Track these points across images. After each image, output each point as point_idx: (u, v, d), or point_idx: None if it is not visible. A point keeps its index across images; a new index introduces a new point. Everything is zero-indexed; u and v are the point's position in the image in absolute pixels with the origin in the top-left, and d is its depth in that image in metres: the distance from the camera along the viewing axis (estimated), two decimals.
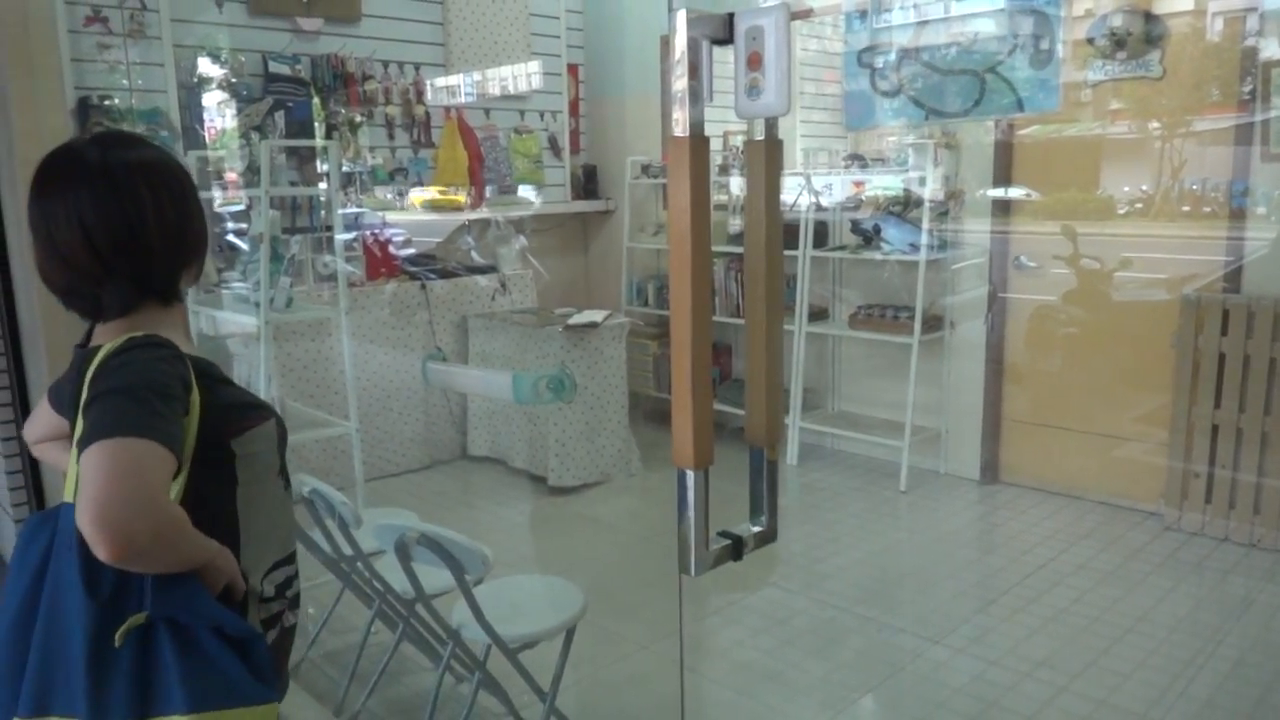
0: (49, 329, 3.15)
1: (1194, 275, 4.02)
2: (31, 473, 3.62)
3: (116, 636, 1.16)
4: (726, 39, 1.08)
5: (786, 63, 1.05)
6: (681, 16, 1.04)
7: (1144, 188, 4.20)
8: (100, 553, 1.10)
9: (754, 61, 1.06)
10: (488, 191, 5.49)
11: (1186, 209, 4.03)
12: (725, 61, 1.10)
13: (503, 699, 2.53)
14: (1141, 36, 3.92)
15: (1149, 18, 3.93)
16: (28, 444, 1.59)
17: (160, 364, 1.23)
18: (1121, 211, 4.24)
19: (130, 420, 1.14)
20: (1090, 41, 4.03)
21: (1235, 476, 3.88)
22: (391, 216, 5.10)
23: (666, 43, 1.06)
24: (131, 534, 1.10)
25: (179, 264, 1.38)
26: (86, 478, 1.11)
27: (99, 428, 1.14)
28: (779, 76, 1.05)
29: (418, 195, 5.22)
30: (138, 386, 1.19)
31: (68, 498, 1.26)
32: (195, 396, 1.27)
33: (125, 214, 1.29)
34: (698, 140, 1.06)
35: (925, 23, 3.93)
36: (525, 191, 5.62)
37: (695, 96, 1.06)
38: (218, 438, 1.30)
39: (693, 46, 1.05)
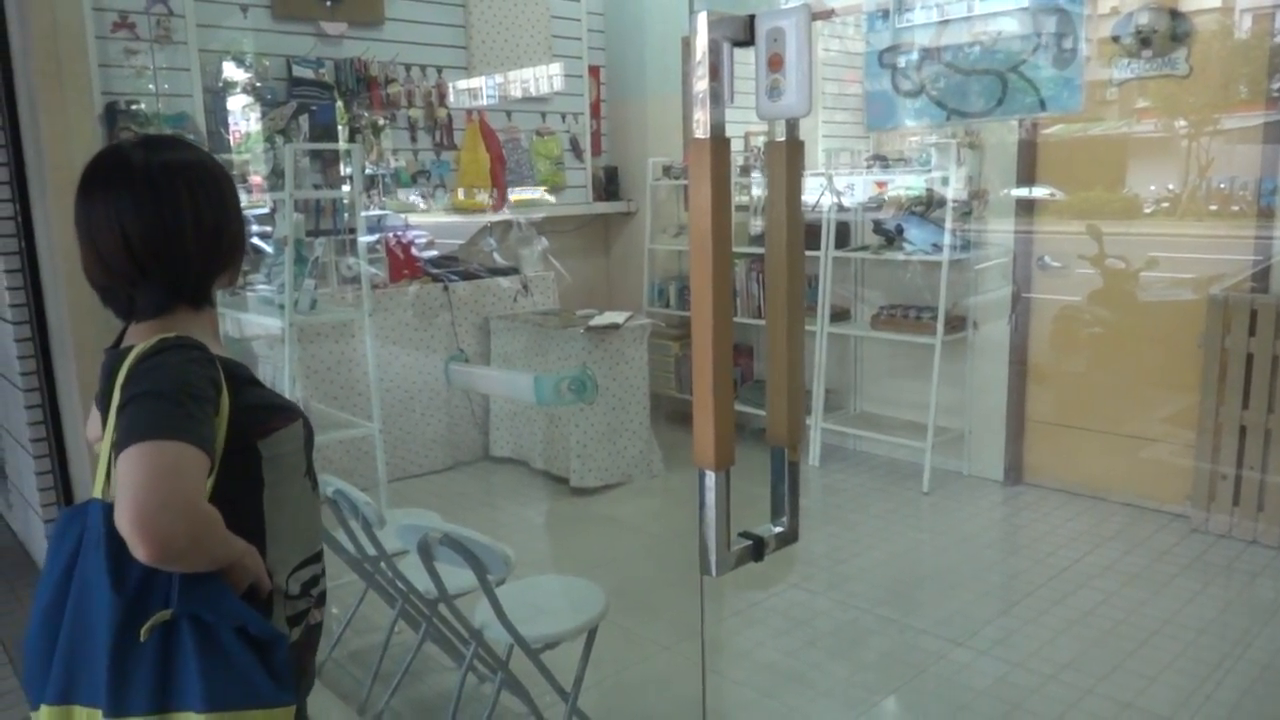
0: (78, 331, 3.19)
1: (1221, 275, 3.98)
2: (61, 473, 3.67)
3: (142, 631, 1.18)
4: (747, 40, 1.08)
5: (807, 64, 1.05)
6: (703, 18, 1.04)
7: (1170, 186, 4.16)
8: (139, 554, 1.13)
9: (775, 63, 1.06)
10: (509, 193, 5.51)
11: (1214, 208, 3.99)
12: (746, 62, 1.10)
13: (525, 699, 2.54)
14: (1168, 34, 3.89)
15: (1175, 15, 3.90)
16: (89, 444, 1.62)
17: (192, 365, 1.25)
18: (1148, 211, 4.20)
19: (165, 422, 1.16)
20: (1116, 40, 4.00)
21: (1264, 478, 3.84)
22: (414, 219, 5.12)
23: (688, 44, 1.06)
24: (171, 536, 1.13)
25: (214, 268, 1.40)
26: (125, 481, 1.13)
27: (135, 430, 1.16)
28: (800, 78, 1.05)
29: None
30: (171, 389, 1.20)
31: (96, 494, 1.28)
32: (225, 399, 1.28)
33: (163, 217, 1.31)
34: (719, 141, 1.07)
35: (947, 22, 3.91)
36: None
37: (716, 98, 1.06)
38: (245, 439, 1.31)
39: (714, 48, 1.05)
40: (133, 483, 1.12)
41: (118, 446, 1.16)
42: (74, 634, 1.25)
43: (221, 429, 1.27)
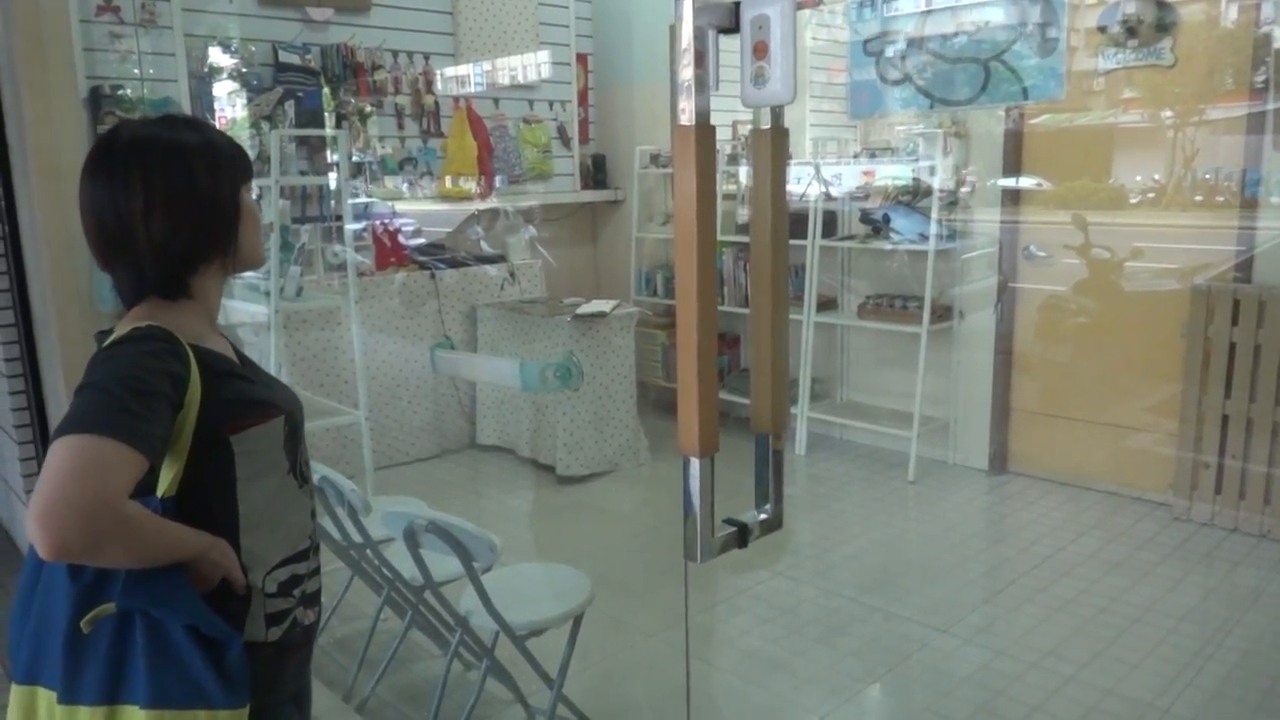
0: (62, 317, 3.17)
1: (1206, 265, 4.00)
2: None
3: (83, 623, 1.18)
4: (733, 28, 1.08)
5: (792, 51, 1.05)
6: (688, 5, 1.04)
7: (1156, 177, 4.18)
8: (38, 549, 1.10)
9: (760, 50, 1.06)
10: (497, 181, 5.49)
11: (1199, 198, 4.01)
12: (734, 50, 1.10)
13: (510, 686, 2.55)
14: (1154, 24, 3.90)
15: (1161, 5, 3.91)
16: None
17: (148, 359, 1.21)
18: (1133, 201, 4.22)
19: (98, 417, 1.13)
20: (1103, 30, 4.01)
21: (1245, 467, 3.87)
22: (401, 206, 5.11)
23: (675, 31, 1.05)
24: (66, 536, 1.09)
25: (179, 256, 1.31)
26: (43, 472, 1.10)
27: (69, 422, 1.13)
28: (785, 65, 1.05)
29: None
30: (115, 383, 1.17)
31: None
32: (195, 391, 1.25)
33: (116, 203, 1.27)
34: (703, 129, 1.07)
35: (931, 12, 3.91)
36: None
37: (701, 85, 1.06)
38: (216, 433, 1.28)
39: (699, 35, 1.05)
40: (48, 476, 1.09)
41: (53, 435, 1.14)
42: (41, 618, 1.25)
43: (189, 421, 1.24)
